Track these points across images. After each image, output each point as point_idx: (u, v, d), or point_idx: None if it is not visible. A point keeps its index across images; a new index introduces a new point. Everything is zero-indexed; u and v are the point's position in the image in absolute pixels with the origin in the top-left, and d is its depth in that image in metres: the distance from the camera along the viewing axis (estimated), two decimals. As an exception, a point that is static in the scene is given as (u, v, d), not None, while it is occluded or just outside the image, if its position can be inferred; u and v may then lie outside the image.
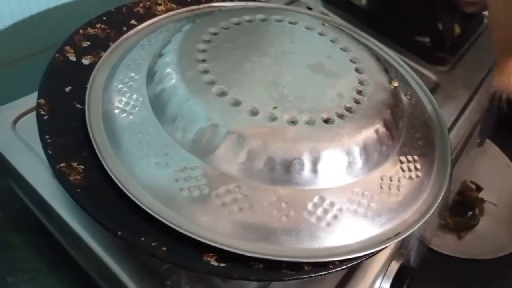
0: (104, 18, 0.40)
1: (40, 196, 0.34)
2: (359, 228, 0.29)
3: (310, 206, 0.29)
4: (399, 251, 0.36)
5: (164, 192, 0.28)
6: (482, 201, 0.58)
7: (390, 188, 0.31)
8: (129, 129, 0.31)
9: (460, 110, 0.51)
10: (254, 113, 0.30)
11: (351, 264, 0.28)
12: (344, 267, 0.28)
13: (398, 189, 0.31)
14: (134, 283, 0.30)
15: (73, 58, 0.36)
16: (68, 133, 0.31)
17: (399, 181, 0.32)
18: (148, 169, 0.29)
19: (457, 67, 0.57)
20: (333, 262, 0.27)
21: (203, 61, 0.33)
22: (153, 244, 0.26)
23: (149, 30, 0.40)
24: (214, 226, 0.27)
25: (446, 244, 0.52)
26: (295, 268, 0.27)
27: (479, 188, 0.59)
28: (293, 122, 0.30)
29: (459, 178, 0.53)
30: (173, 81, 0.31)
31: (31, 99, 0.39)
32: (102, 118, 0.32)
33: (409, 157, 0.33)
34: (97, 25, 0.39)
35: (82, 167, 0.29)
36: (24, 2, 0.44)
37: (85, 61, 0.36)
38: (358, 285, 0.34)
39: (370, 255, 0.29)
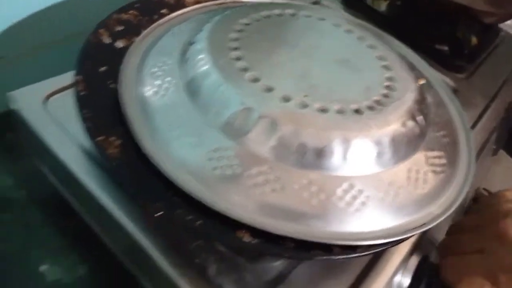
0: (137, 5, 0.41)
1: (71, 172, 0.34)
2: (386, 216, 0.30)
3: (339, 191, 0.29)
4: (420, 245, 0.37)
5: (198, 171, 0.29)
6: (495, 208, 0.58)
7: (416, 181, 0.32)
8: (162, 110, 0.32)
9: (477, 117, 0.52)
10: (286, 99, 0.31)
11: (379, 249, 0.28)
12: (372, 251, 0.28)
13: (425, 182, 0.32)
14: (164, 259, 0.31)
15: (106, 40, 0.37)
16: (104, 110, 0.32)
17: (425, 174, 0.32)
18: (182, 149, 0.30)
19: (475, 75, 0.58)
20: (361, 246, 0.28)
21: (236, 49, 0.34)
22: (188, 218, 0.27)
23: (179, 19, 0.41)
24: (246, 205, 0.28)
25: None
26: (325, 249, 0.27)
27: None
28: (324, 111, 0.31)
29: (474, 184, 0.54)
30: (207, 66, 0.32)
31: (61, 79, 0.40)
32: (135, 99, 0.33)
33: (435, 153, 0.34)
34: (130, 11, 0.40)
35: (118, 142, 0.30)
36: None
37: (119, 44, 0.37)
38: (378, 278, 0.34)
39: (397, 242, 0.29)
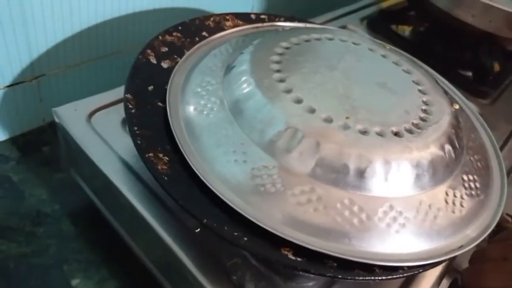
0: (180, 27, 0.42)
1: (112, 184, 0.35)
2: (425, 238, 0.30)
3: (380, 212, 0.30)
4: (450, 269, 0.37)
5: (241, 187, 0.30)
6: (519, 234, 0.58)
7: (454, 203, 0.32)
8: (208, 128, 0.33)
9: (503, 142, 0.53)
10: (328, 120, 0.31)
11: (420, 271, 0.29)
12: (413, 272, 0.29)
13: (462, 205, 0.33)
14: (201, 275, 0.31)
15: (153, 60, 0.38)
16: (153, 127, 0.33)
17: (462, 197, 0.33)
18: (227, 165, 0.31)
19: (498, 101, 0.59)
20: (402, 267, 0.28)
21: (278, 71, 0.35)
22: (235, 233, 0.27)
23: (219, 41, 0.43)
24: (289, 223, 0.29)
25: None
26: (367, 269, 0.28)
27: (515, 221, 0.59)
28: (365, 132, 0.31)
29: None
30: (251, 87, 0.33)
31: (104, 96, 0.42)
32: (181, 117, 0.34)
33: (470, 176, 0.35)
34: (174, 33, 0.41)
35: (167, 158, 0.31)
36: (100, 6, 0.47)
37: (164, 64, 0.38)
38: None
39: (436, 264, 0.29)
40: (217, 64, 0.38)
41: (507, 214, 0.61)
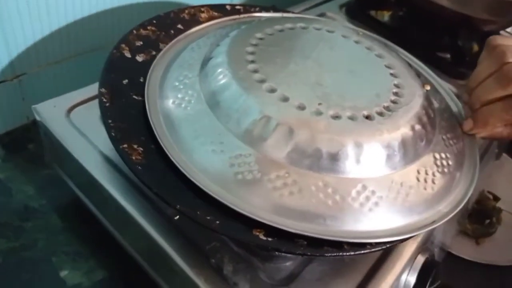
0: (154, 21, 0.43)
1: (93, 178, 0.36)
2: (398, 215, 0.31)
3: (353, 193, 0.31)
4: (425, 246, 0.38)
5: (220, 176, 0.31)
6: (500, 210, 0.60)
7: (425, 181, 0.33)
8: (186, 120, 0.33)
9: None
10: (301, 108, 0.32)
11: (387, 246, 0.30)
12: (380, 248, 0.30)
13: (433, 182, 0.34)
14: (182, 260, 0.32)
15: (128, 54, 0.39)
16: (127, 119, 0.33)
17: (433, 175, 0.34)
18: (205, 155, 0.31)
19: (476, 81, 0.60)
20: (370, 243, 0.29)
21: (252, 62, 0.35)
22: (208, 217, 0.28)
23: (196, 35, 0.43)
24: (265, 207, 0.30)
25: (465, 249, 0.54)
26: (335, 246, 0.29)
27: (496, 198, 0.61)
28: (337, 117, 0.32)
29: (477, 187, 0.55)
30: (227, 79, 0.34)
31: (82, 92, 0.42)
32: (160, 110, 0.35)
33: (442, 154, 0.36)
34: (148, 27, 0.42)
35: (141, 149, 0.32)
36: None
37: (139, 58, 0.39)
38: (386, 276, 0.35)
39: (407, 239, 0.30)
40: (195, 57, 0.38)
41: (488, 192, 0.63)
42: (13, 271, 0.39)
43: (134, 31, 0.41)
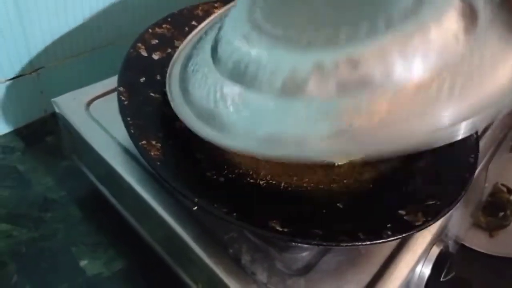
0: (169, 19, 0.44)
1: (113, 169, 0.37)
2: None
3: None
4: (439, 237, 0.39)
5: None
6: (514, 203, 0.60)
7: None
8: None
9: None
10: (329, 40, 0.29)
11: (403, 236, 0.30)
12: (396, 237, 0.30)
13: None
14: (200, 249, 0.33)
15: (144, 53, 0.40)
16: (145, 116, 0.34)
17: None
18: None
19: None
20: (386, 233, 0.30)
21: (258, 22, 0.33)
22: (224, 210, 0.29)
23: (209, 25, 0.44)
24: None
25: (479, 242, 0.54)
26: (351, 236, 0.29)
27: (510, 191, 0.61)
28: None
29: (492, 180, 0.55)
30: (243, 46, 0.32)
31: (101, 85, 0.43)
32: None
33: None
34: (163, 25, 0.43)
35: (159, 145, 0.32)
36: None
37: (155, 56, 0.40)
38: (401, 267, 0.35)
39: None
40: (207, 44, 0.38)
41: (502, 184, 0.63)
42: (34, 260, 0.40)
43: (150, 30, 0.42)
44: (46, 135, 0.51)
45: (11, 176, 0.46)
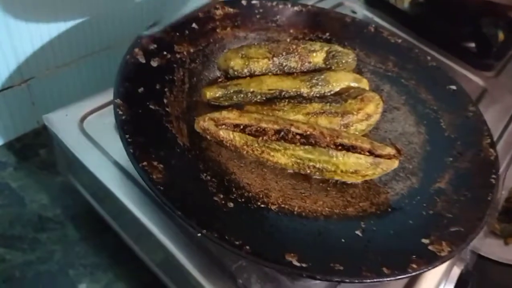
0: (167, 21, 0.40)
1: (109, 191, 0.34)
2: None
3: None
4: (460, 256, 0.36)
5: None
6: (529, 208, 0.57)
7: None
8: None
9: (510, 116, 0.51)
10: None
11: (430, 268, 0.28)
12: (422, 271, 0.28)
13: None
14: (206, 280, 0.31)
15: (142, 60, 0.37)
16: (145, 133, 0.32)
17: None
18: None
19: (503, 73, 0.57)
20: (412, 267, 0.27)
21: None
22: (237, 243, 0.27)
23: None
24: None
25: (493, 250, 0.52)
26: (375, 271, 0.27)
27: (525, 196, 0.58)
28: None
29: (508, 185, 0.53)
30: None
31: (96, 99, 0.40)
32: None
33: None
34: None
35: (161, 166, 0.30)
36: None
37: (153, 63, 0.37)
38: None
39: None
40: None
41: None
42: (30, 285, 0.38)
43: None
44: (39, 148, 0.48)
45: (3, 194, 0.44)
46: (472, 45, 0.59)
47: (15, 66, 0.43)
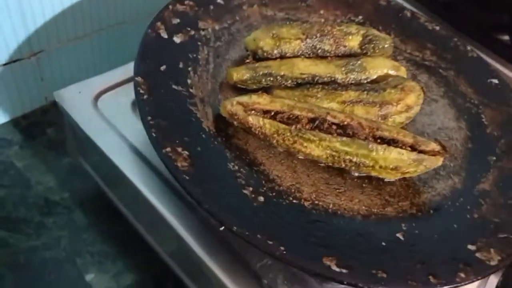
0: (193, -5, 0.37)
1: (124, 176, 0.32)
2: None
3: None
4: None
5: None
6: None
7: None
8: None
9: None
10: None
11: (479, 278, 0.26)
12: (470, 281, 0.25)
13: None
14: (229, 279, 0.28)
15: (164, 35, 0.34)
16: (168, 115, 0.29)
17: None
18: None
19: (539, 68, 0.54)
20: (460, 276, 0.25)
21: None
22: (270, 242, 0.24)
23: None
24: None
25: None
26: (421, 281, 0.24)
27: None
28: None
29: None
30: None
31: (111, 76, 0.38)
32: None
33: None
34: (185, 2, 0.37)
35: (186, 152, 0.27)
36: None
37: (177, 39, 0.34)
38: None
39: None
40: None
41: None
42: (35, 272, 0.36)
43: (170, 7, 0.36)
44: (47, 126, 0.45)
45: (8, 174, 0.41)
46: (506, 37, 0.56)
47: (24, 37, 0.40)
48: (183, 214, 0.30)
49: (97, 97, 0.36)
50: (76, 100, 0.35)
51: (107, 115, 0.35)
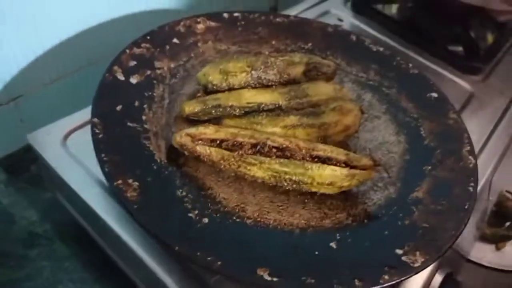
0: (148, 37, 0.41)
1: (91, 209, 0.35)
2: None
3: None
4: (444, 264, 0.36)
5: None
6: (520, 211, 0.57)
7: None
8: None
9: (497, 120, 0.51)
10: None
11: (402, 279, 0.28)
12: (393, 282, 0.28)
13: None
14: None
15: (121, 77, 0.37)
16: (122, 151, 0.32)
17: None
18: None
19: (491, 76, 0.57)
20: (384, 278, 0.28)
21: None
22: (209, 258, 0.27)
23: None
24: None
25: (485, 255, 0.52)
26: (347, 284, 0.27)
27: (516, 198, 0.57)
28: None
29: (497, 189, 0.53)
30: None
31: (80, 116, 0.41)
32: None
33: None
34: (142, 45, 0.40)
35: (137, 183, 0.30)
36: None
37: (133, 80, 0.38)
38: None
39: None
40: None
41: (507, 191, 0.60)
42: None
43: (127, 51, 0.39)
44: (30, 163, 0.48)
45: (-7, 211, 0.44)
46: (460, 49, 0.59)
47: (2, 85, 0.44)
48: (144, 240, 0.33)
49: (66, 136, 0.39)
50: (46, 141, 0.38)
51: (76, 153, 0.38)
